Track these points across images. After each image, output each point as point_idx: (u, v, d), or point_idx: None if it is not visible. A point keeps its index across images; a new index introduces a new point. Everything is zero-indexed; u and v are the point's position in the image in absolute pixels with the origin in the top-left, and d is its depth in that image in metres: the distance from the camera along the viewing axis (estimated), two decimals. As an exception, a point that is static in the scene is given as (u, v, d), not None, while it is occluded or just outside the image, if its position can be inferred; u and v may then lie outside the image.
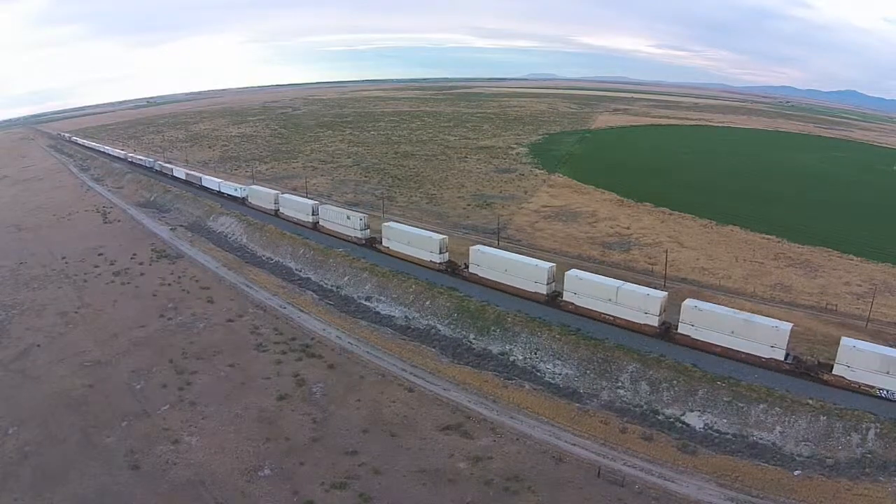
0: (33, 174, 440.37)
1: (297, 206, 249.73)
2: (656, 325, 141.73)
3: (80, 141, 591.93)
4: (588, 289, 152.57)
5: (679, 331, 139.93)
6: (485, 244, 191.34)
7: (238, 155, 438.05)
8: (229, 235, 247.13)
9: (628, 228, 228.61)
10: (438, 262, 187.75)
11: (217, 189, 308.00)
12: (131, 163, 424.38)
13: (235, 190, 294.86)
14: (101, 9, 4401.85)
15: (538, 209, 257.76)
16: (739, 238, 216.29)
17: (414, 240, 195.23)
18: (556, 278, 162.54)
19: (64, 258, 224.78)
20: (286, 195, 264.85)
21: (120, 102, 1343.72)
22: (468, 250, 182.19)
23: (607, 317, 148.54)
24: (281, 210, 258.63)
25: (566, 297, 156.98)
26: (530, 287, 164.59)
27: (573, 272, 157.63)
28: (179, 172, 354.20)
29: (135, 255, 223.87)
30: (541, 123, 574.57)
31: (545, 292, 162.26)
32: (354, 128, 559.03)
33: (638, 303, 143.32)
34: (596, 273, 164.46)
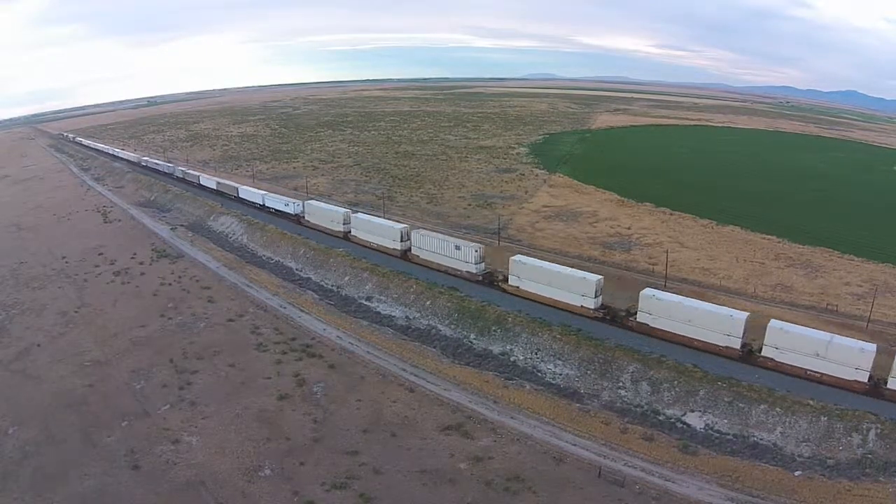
0: (33, 174, 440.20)
1: (378, 230, 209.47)
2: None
3: (86, 142, 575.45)
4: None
5: (638, 318, 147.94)
6: (485, 244, 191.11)
7: (239, 154, 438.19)
8: (230, 235, 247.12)
9: (629, 228, 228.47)
10: (593, 307, 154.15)
11: (260, 202, 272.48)
12: (147, 168, 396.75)
13: (286, 205, 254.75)
14: (102, 9, 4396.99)
15: (539, 209, 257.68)
16: (740, 238, 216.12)
17: (558, 279, 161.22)
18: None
19: (64, 258, 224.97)
20: (360, 215, 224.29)
21: (120, 102, 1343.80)
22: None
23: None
24: (353, 233, 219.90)
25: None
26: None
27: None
28: (209, 181, 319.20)
29: (135, 254, 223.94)
30: (541, 123, 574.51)
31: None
32: (355, 127, 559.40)
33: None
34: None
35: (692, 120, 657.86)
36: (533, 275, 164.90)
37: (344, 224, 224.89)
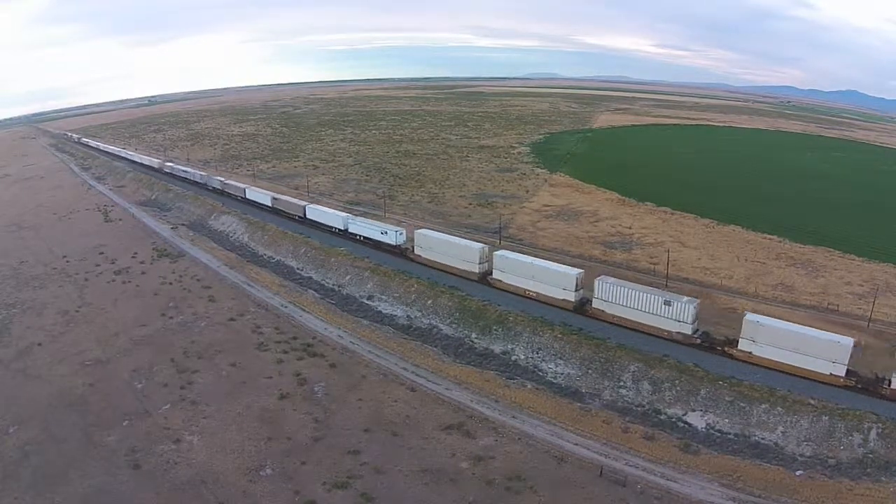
0: (34, 173, 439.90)
1: (542, 275, 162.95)
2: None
3: (93, 143, 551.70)
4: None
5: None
6: (487, 243, 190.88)
7: (239, 154, 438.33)
8: (231, 234, 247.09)
9: (630, 228, 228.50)
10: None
11: (341, 227, 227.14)
12: (173, 176, 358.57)
13: (384, 233, 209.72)
14: (102, 8, 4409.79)
15: (540, 208, 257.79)
16: (741, 238, 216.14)
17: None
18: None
19: (65, 257, 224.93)
20: (509, 254, 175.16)
21: (121, 101, 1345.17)
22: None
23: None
24: (499, 276, 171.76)
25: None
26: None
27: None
28: (261, 196, 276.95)
29: (136, 253, 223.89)
30: (542, 123, 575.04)
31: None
32: (356, 127, 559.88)
33: None
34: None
35: (693, 120, 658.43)
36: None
37: (480, 263, 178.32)
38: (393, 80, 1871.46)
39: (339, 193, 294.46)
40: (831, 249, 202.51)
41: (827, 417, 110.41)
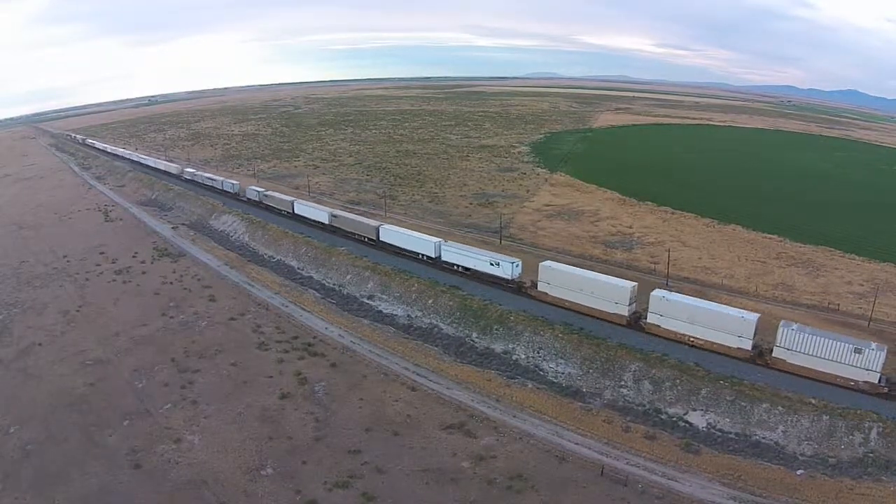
0: (35, 173, 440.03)
1: (714, 320, 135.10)
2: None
3: (99, 145, 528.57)
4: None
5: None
6: (487, 243, 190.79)
7: (240, 153, 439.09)
8: (231, 234, 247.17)
9: (630, 227, 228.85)
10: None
11: (432, 254, 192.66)
12: (195, 183, 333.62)
13: (495, 264, 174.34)
14: (102, 8, 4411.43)
15: (540, 208, 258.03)
16: (741, 237, 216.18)
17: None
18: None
19: (65, 257, 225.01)
20: (674, 296, 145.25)
21: (121, 101, 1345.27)
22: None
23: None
24: (664, 324, 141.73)
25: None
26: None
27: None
28: (313, 211, 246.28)
29: (136, 253, 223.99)
30: (542, 122, 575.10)
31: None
32: (356, 126, 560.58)
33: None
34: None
35: (694, 119, 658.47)
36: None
37: (630, 304, 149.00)
38: (393, 79, 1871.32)
39: (339, 193, 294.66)
40: (832, 249, 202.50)
41: (827, 417, 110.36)
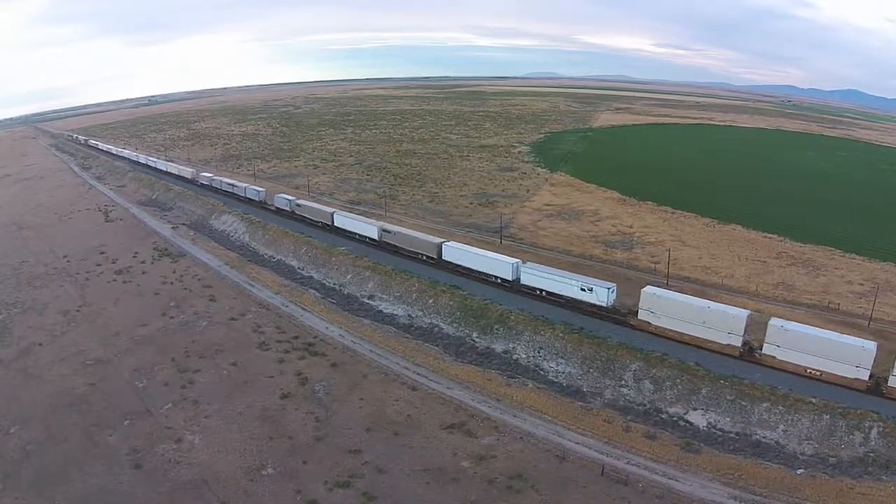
0: (35, 173, 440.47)
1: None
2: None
3: (103, 146, 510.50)
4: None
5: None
6: (488, 242, 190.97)
7: (240, 153, 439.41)
8: (231, 234, 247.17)
9: (631, 227, 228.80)
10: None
11: (506, 277, 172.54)
12: (214, 189, 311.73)
13: (586, 290, 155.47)
14: (102, 8, 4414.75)
15: (540, 208, 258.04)
16: (742, 237, 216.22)
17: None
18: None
19: (65, 257, 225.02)
20: (794, 326, 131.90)
21: (121, 101, 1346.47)
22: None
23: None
24: (780, 355, 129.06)
25: None
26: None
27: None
28: (358, 225, 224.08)
29: (136, 253, 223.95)
30: (542, 122, 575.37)
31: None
32: (356, 126, 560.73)
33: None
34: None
35: (694, 119, 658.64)
36: None
37: (744, 333, 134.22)
38: (393, 79, 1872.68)
39: (339, 193, 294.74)
40: (832, 248, 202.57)
41: (828, 416, 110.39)
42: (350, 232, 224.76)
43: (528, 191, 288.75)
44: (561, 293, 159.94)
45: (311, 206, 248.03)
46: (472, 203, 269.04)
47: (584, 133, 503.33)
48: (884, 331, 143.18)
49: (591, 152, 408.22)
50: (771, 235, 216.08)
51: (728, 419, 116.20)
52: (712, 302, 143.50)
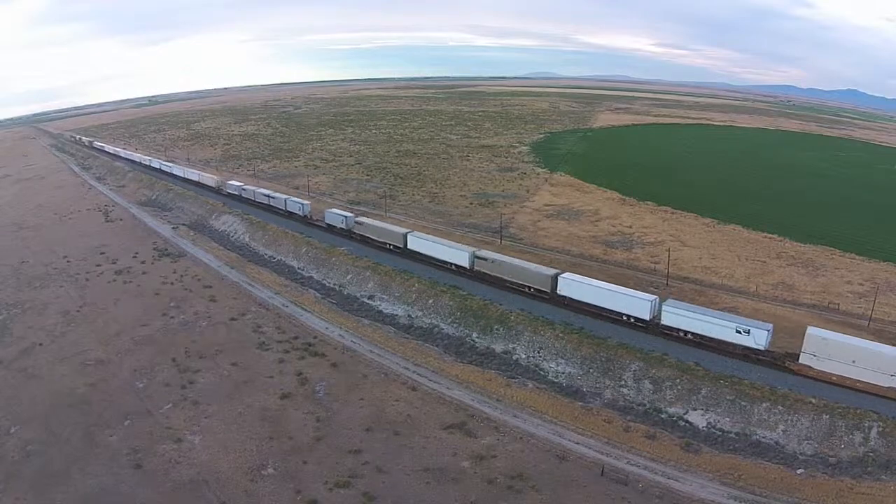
0: (35, 173, 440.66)
1: None
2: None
3: (110, 149, 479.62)
4: None
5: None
6: (488, 242, 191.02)
7: (240, 153, 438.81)
8: (231, 234, 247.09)
9: (630, 227, 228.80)
10: None
11: (638, 317, 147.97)
12: (241, 199, 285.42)
13: (742, 332, 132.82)
14: (103, 7, 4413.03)
15: (540, 208, 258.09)
16: (741, 237, 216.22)
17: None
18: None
19: (65, 257, 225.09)
20: None
21: (121, 101, 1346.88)
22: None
23: None
24: None
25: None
26: None
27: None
28: (446, 250, 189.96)
29: (137, 253, 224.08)
30: (542, 122, 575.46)
31: None
32: (356, 126, 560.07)
33: None
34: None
35: (693, 119, 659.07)
36: None
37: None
38: (393, 79, 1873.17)
39: (339, 193, 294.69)
40: (832, 248, 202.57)
41: (828, 416, 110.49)
42: (430, 257, 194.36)
43: (527, 191, 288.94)
44: (710, 335, 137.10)
45: (377, 226, 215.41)
46: (471, 203, 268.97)
47: (584, 133, 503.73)
48: (884, 331, 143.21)
49: (590, 152, 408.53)
50: (771, 235, 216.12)
51: (728, 419, 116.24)
52: (885, 346, 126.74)
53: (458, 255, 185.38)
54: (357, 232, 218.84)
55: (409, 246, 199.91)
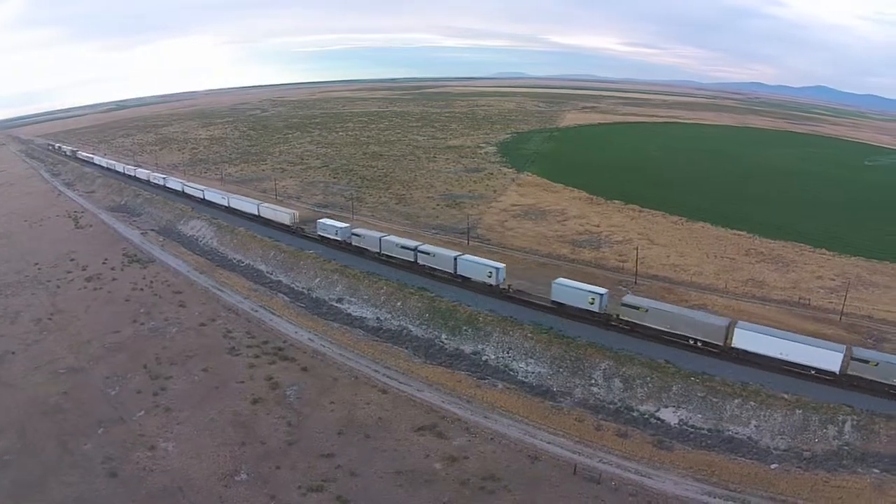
0: (4, 179, 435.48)
1: None
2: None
3: (99, 161, 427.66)
4: None
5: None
6: (455, 243, 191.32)
7: (207, 157, 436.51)
8: (200, 239, 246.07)
9: (598, 226, 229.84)
10: None
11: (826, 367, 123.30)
12: (248, 216, 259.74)
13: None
14: (77, 11, 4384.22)
15: (507, 208, 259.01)
16: (710, 234, 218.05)
17: None
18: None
19: (37, 264, 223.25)
20: None
21: (93, 106, 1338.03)
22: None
23: None
24: None
25: None
26: None
27: None
28: (566, 291, 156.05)
29: (106, 259, 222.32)
30: (509, 122, 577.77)
31: None
32: (323, 129, 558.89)
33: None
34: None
35: (661, 117, 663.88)
36: None
37: None
38: (360, 80, 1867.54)
39: (306, 196, 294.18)
40: (802, 244, 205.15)
41: (801, 411, 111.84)
42: (522, 295, 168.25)
43: (494, 191, 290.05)
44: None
45: (436, 253, 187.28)
46: (439, 204, 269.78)
47: (551, 133, 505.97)
48: (856, 325, 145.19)
49: (557, 152, 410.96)
50: (740, 232, 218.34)
51: (700, 416, 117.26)
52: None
53: (574, 295, 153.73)
54: (430, 265, 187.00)
55: (499, 283, 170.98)
